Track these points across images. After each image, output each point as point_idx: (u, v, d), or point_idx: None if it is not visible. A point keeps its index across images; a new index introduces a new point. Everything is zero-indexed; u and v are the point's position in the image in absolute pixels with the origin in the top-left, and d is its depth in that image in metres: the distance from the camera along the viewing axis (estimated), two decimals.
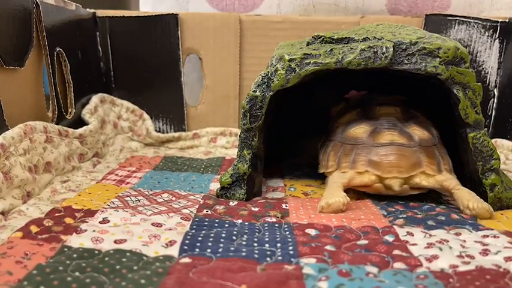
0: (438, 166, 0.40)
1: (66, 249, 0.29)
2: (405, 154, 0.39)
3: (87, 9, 0.62)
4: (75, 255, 0.28)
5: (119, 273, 0.26)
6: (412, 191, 0.41)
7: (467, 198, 0.38)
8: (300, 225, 0.35)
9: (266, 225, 0.35)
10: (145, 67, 0.64)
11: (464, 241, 0.32)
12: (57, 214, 0.35)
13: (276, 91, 0.40)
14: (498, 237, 0.33)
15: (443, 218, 0.36)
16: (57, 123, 0.50)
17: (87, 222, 0.34)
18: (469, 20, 0.60)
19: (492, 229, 0.34)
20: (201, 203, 0.40)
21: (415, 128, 0.41)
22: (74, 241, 0.30)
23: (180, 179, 0.48)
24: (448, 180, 0.40)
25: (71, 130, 0.49)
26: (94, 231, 0.32)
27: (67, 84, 0.54)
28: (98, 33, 0.63)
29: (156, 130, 0.66)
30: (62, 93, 0.53)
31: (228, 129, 0.65)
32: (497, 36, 0.60)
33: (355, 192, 0.43)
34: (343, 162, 0.42)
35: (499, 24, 0.60)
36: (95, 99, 0.60)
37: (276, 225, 0.35)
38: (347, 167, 0.41)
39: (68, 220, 0.34)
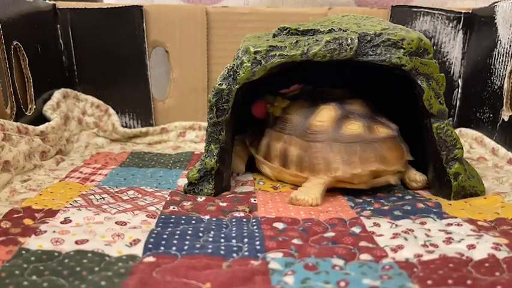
0: (402, 158, 0.42)
1: (23, 252, 0.28)
2: (398, 146, 0.41)
3: (47, 1, 0.59)
4: (33, 258, 0.27)
5: (78, 276, 0.25)
6: (376, 183, 0.42)
7: (413, 173, 0.43)
8: (268, 219, 0.34)
9: (234, 220, 0.34)
10: (110, 61, 0.63)
11: (429, 230, 0.32)
12: (15, 215, 0.34)
13: (242, 84, 0.40)
14: (461, 225, 0.33)
15: (409, 208, 0.37)
16: (16, 120, 0.48)
17: (47, 222, 0.33)
18: (434, 12, 0.61)
19: (456, 217, 0.35)
20: (168, 199, 0.39)
21: (385, 121, 0.42)
22: (33, 243, 0.29)
23: (147, 175, 0.47)
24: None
25: (31, 127, 0.47)
26: (54, 232, 0.31)
27: (26, 79, 0.52)
28: (58, 25, 0.61)
29: (122, 125, 0.64)
30: (21, 89, 0.50)
31: (197, 123, 0.64)
32: (461, 27, 0.61)
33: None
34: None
35: (462, 15, 0.61)
36: (57, 94, 0.58)
37: (244, 220, 0.34)
38: (358, 167, 0.39)
39: (27, 221, 0.33)
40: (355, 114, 0.41)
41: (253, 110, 0.48)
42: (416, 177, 0.43)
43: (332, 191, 0.42)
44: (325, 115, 0.42)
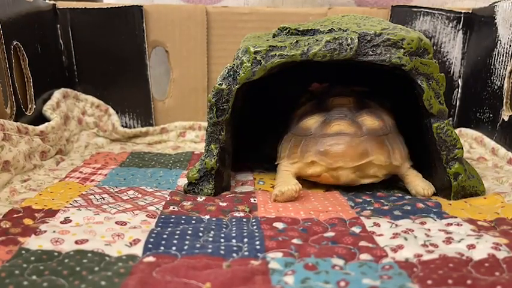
0: (388, 155, 0.40)
1: (23, 252, 0.28)
2: (352, 144, 0.39)
3: (47, 1, 0.59)
4: (33, 258, 0.27)
5: (78, 276, 0.25)
6: (364, 180, 0.41)
7: (417, 183, 0.41)
8: (267, 219, 0.34)
9: (234, 220, 0.34)
10: (110, 61, 0.63)
11: (429, 230, 0.32)
12: (15, 215, 0.34)
13: (242, 84, 0.40)
14: (461, 225, 0.33)
15: (409, 208, 0.37)
16: (16, 120, 0.48)
17: (47, 222, 0.33)
18: (434, 12, 0.61)
19: (456, 217, 0.35)
20: (168, 199, 0.39)
21: (365, 118, 0.41)
22: (32, 243, 0.29)
23: (147, 175, 0.47)
24: (398, 168, 0.41)
25: (31, 127, 0.47)
26: (54, 232, 0.31)
27: (26, 79, 0.52)
28: (58, 25, 0.61)
29: (122, 125, 0.64)
30: (21, 89, 0.50)
31: (197, 123, 0.64)
32: (460, 27, 0.61)
33: (324, 185, 0.43)
34: (293, 152, 0.42)
35: (462, 15, 0.61)
36: (57, 94, 0.58)
37: (244, 220, 0.34)
38: (296, 157, 0.41)
39: (27, 221, 0.33)
40: (339, 115, 0.42)
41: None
42: (419, 188, 0.40)
43: (332, 191, 0.42)
44: (335, 129, 0.41)
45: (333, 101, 0.43)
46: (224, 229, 0.33)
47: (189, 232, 0.32)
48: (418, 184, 0.41)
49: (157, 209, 0.36)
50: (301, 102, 0.47)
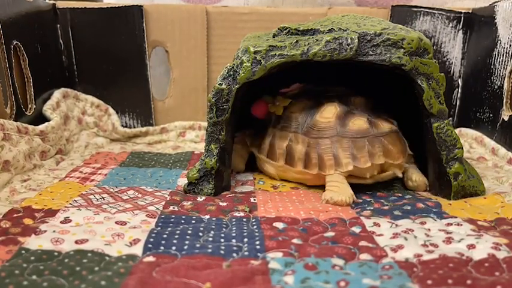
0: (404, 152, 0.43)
1: (23, 252, 0.28)
2: (401, 140, 0.42)
3: (47, 1, 0.59)
4: (33, 258, 0.27)
5: (78, 275, 0.25)
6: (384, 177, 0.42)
7: (411, 172, 0.43)
8: (267, 219, 0.34)
9: (234, 220, 0.34)
10: (110, 60, 0.63)
11: (429, 230, 0.32)
12: (15, 215, 0.34)
13: (242, 84, 0.40)
14: (461, 225, 0.33)
15: (409, 208, 0.37)
16: (16, 120, 0.48)
17: (47, 222, 0.33)
18: (434, 11, 0.61)
19: (456, 217, 0.35)
20: (168, 199, 0.39)
21: (386, 117, 0.43)
22: (33, 243, 0.29)
23: (147, 175, 0.47)
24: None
25: (31, 127, 0.47)
26: (54, 231, 0.31)
27: (26, 79, 0.52)
28: (58, 25, 0.61)
29: (122, 125, 0.64)
30: (21, 89, 0.50)
31: (197, 123, 0.64)
32: (461, 27, 0.61)
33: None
34: (344, 157, 0.40)
35: (462, 15, 0.61)
36: (57, 94, 0.58)
37: (244, 219, 0.34)
38: (367, 161, 0.40)
39: (27, 221, 0.33)
40: (358, 110, 0.43)
41: (253, 111, 0.47)
42: (413, 176, 0.42)
43: None
44: (330, 112, 0.42)
45: (354, 100, 0.44)
46: (224, 229, 0.33)
47: (189, 232, 0.32)
48: (410, 170, 0.43)
49: (157, 208, 0.36)
50: (289, 105, 0.45)
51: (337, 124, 0.41)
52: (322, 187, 0.43)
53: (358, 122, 0.41)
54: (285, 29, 0.42)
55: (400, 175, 0.42)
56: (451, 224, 0.33)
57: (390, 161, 0.40)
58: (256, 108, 0.47)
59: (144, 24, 0.62)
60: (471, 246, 0.29)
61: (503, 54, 0.52)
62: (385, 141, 0.40)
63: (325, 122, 0.42)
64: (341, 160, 0.40)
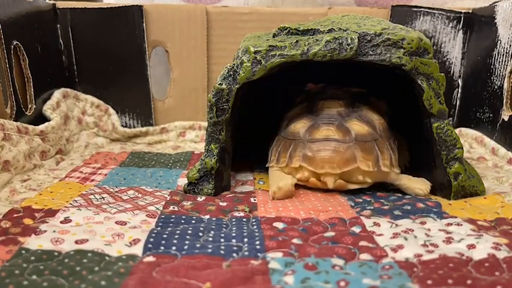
0: (375, 161, 0.40)
1: (23, 252, 0.28)
2: (339, 150, 0.39)
3: (47, 1, 0.59)
4: (33, 258, 0.27)
5: (78, 275, 0.25)
6: (352, 186, 0.40)
7: (413, 185, 0.41)
8: (267, 219, 0.34)
9: (234, 220, 0.34)
10: (110, 60, 0.63)
11: (429, 230, 0.32)
12: (15, 215, 0.34)
13: (242, 84, 0.40)
14: (461, 225, 0.33)
15: (409, 208, 0.37)
16: (16, 120, 0.48)
17: (47, 222, 0.33)
18: (434, 11, 0.61)
19: (456, 217, 0.35)
20: (168, 199, 0.39)
21: (354, 123, 0.41)
22: (33, 243, 0.29)
23: (147, 175, 0.47)
24: (387, 174, 0.40)
25: (31, 127, 0.47)
26: (54, 231, 0.31)
27: (26, 79, 0.52)
28: (58, 25, 0.61)
29: (122, 125, 0.64)
30: (21, 89, 0.50)
31: (197, 123, 0.64)
32: (461, 27, 0.61)
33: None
34: (282, 156, 0.42)
35: (462, 15, 0.61)
36: (57, 94, 0.58)
37: (244, 219, 0.34)
38: (284, 162, 0.42)
39: (27, 221, 0.33)
40: (327, 119, 0.42)
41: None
42: (418, 185, 0.40)
43: (332, 191, 0.42)
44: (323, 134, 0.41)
45: (323, 104, 0.43)
46: (224, 229, 0.33)
47: (189, 232, 0.31)
48: (415, 186, 0.41)
49: (157, 208, 0.36)
50: (295, 103, 0.47)
51: (306, 133, 0.41)
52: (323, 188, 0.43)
53: (323, 132, 0.41)
54: (285, 29, 0.42)
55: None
56: (451, 224, 0.33)
57: (311, 169, 0.40)
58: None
59: (144, 24, 0.62)
60: (471, 246, 0.29)
61: (503, 54, 0.52)
62: (312, 147, 0.40)
63: (295, 132, 0.42)
64: (293, 158, 0.41)
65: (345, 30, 0.39)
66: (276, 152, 0.43)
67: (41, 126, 0.49)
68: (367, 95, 0.46)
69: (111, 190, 0.41)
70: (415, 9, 0.61)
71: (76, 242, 0.29)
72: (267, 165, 0.45)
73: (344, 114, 0.42)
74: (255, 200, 0.39)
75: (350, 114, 0.42)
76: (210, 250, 0.29)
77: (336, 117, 0.42)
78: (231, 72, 0.40)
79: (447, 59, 0.62)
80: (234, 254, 0.28)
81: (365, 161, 0.39)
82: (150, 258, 0.28)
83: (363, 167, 0.39)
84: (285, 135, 0.43)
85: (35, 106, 0.53)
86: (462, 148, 0.39)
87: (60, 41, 0.61)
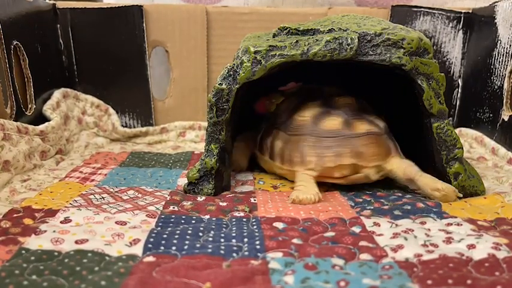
0: (398, 151, 0.42)
1: (23, 252, 0.28)
2: (380, 142, 0.41)
3: (47, 1, 0.59)
4: (33, 258, 0.27)
5: (78, 275, 0.25)
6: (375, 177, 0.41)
7: (433, 181, 0.39)
8: (267, 219, 0.34)
9: (234, 220, 0.34)
10: (110, 60, 0.63)
11: (429, 230, 0.32)
12: (15, 215, 0.34)
13: (242, 84, 0.40)
14: (461, 225, 0.33)
15: (409, 208, 0.37)
16: (16, 120, 0.48)
17: (47, 222, 0.33)
18: (434, 11, 0.61)
19: (456, 217, 0.35)
20: (168, 199, 0.39)
21: (373, 118, 0.42)
22: (33, 243, 0.29)
23: (147, 175, 0.47)
24: (409, 166, 0.41)
25: (31, 127, 0.47)
26: (54, 231, 0.31)
27: (26, 79, 0.52)
28: (58, 25, 0.61)
29: (122, 125, 0.64)
30: (21, 89, 0.51)
31: (197, 123, 0.64)
32: (461, 27, 0.61)
33: (324, 185, 0.43)
34: (311, 155, 0.41)
35: (462, 15, 0.61)
36: (57, 94, 0.58)
37: (244, 219, 0.34)
38: (330, 161, 0.40)
39: (27, 221, 0.33)
40: (339, 111, 0.42)
41: (255, 107, 0.49)
42: (438, 185, 0.38)
43: (332, 190, 0.42)
44: (309, 111, 0.42)
45: (338, 100, 0.43)
46: (224, 229, 0.33)
47: (189, 232, 0.31)
48: (429, 180, 0.39)
49: (157, 208, 0.36)
50: (281, 102, 0.47)
51: (311, 123, 0.41)
52: (322, 187, 0.43)
53: (331, 122, 0.41)
54: (285, 29, 0.42)
55: (374, 178, 0.41)
56: (451, 224, 0.33)
57: (360, 163, 0.40)
58: (258, 105, 0.49)
59: (144, 24, 0.62)
60: (471, 246, 0.29)
61: (503, 54, 0.52)
62: (356, 142, 0.40)
63: (301, 121, 0.42)
64: (305, 158, 0.40)
65: (345, 30, 0.39)
66: (299, 153, 0.41)
67: (41, 126, 0.49)
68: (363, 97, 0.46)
69: (111, 190, 0.41)
70: (415, 9, 0.61)
71: (76, 242, 0.29)
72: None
73: (358, 110, 0.43)
74: (255, 200, 0.39)
75: (361, 110, 0.43)
76: (210, 250, 0.29)
77: (357, 112, 0.42)
78: (231, 72, 0.40)
79: (447, 59, 0.62)
80: (234, 254, 0.28)
81: (397, 151, 0.41)
82: (150, 258, 0.28)
83: (396, 156, 0.41)
84: (319, 134, 0.41)
85: (35, 106, 0.53)
86: (462, 148, 0.39)
87: (60, 41, 0.61)
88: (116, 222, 0.33)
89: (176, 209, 0.37)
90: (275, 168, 0.45)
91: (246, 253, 0.28)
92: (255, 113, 0.49)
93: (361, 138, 0.40)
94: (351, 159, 0.40)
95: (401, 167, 0.40)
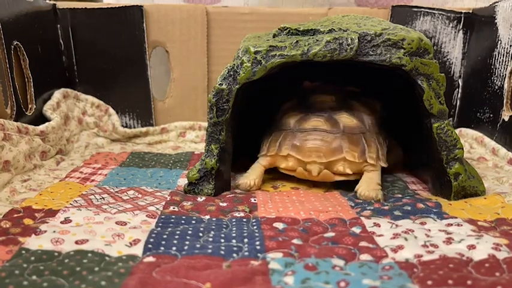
0: (362, 153, 0.41)
1: (23, 252, 0.28)
2: (326, 140, 0.41)
3: (47, 1, 0.59)
4: (33, 258, 0.27)
5: (78, 276, 0.25)
6: (337, 178, 0.41)
7: (360, 184, 0.40)
8: (268, 219, 0.34)
9: (234, 220, 0.34)
10: (110, 61, 0.63)
11: (429, 230, 0.32)
12: (15, 215, 0.34)
13: (242, 84, 0.40)
14: (462, 225, 0.33)
15: (409, 208, 0.37)
16: (16, 120, 0.48)
17: (47, 222, 0.33)
18: (434, 12, 0.61)
19: (456, 217, 0.35)
20: (168, 199, 0.39)
21: (343, 116, 0.42)
22: (33, 243, 0.29)
23: (147, 175, 0.47)
24: (368, 166, 0.41)
25: (31, 127, 0.47)
26: (54, 232, 0.31)
27: (26, 79, 0.52)
28: (58, 25, 0.61)
29: (122, 125, 0.64)
30: (21, 89, 0.51)
31: (197, 123, 0.64)
32: (461, 27, 0.61)
33: (324, 185, 0.43)
34: (272, 146, 0.43)
35: (462, 15, 0.61)
36: (58, 94, 0.58)
37: (244, 220, 0.34)
38: (274, 150, 0.43)
39: (27, 221, 0.33)
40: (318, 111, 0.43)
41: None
42: (359, 189, 0.40)
43: (332, 191, 0.42)
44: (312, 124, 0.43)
45: (315, 98, 0.44)
46: (224, 229, 0.33)
47: (189, 232, 0.31)
48: (361, 185, 0.40)
49: (158, 209, 0.36)
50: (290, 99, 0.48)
51: (296, 124, 0.43)
52: (322, 187, 0.43)
53: (312, 123, 0.42)
54: (285, 29, 0.42)
55: (349, 171, 0.41)
56: (451, 225, 0.33)
57: (336, 158, 0.40)
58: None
59: (144, 24, 0.62)
60: (471, 247, 0.29)
61: (503, 55, 0.52)
62: (300, 136, 0.41)
63: (286, 123, 0.44)
64: (282, 147, 0.42)
65: (345, 31, 0.39)
66: (267, 142, 0.44)
67: (41, 127, 0.49)
68: (360, 94, 0.46)
69: (111, 190, 0.41)
70: (415, 9, 0.61)
71: (76, 242, 0.29)
72: (258, 155, 0.45)
73: (335, 108, 0.43)
74: (255, 200, 0.39)
75: (340, 108, 0.43)
76: (210, 250, 0.29)
77: (327, 110, 0.43)
78: (231, 73, 0.40)
79: (447, 59, 0.62)
80: (234, 255, 0.28)
81: (351, 151, 0.40)
82: (150, 259, 0.28)
83: (349, 157, 0.40)
84: (277, 127, 0.44)
85: (35, 106, 0.53)
86: (462, 148, 0.39)
87: (60, 41, 0.61)
88: (116, 223, 0.33)
89: (176, 209, 0.37)
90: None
91: (246, 253, 0.28)
92: (262, 114, 0.50)
93: (305, 133, 0.41)
94: (289, 151, 0.41)
95: (355, 168, 0.41)
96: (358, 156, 0.41)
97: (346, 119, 0.42)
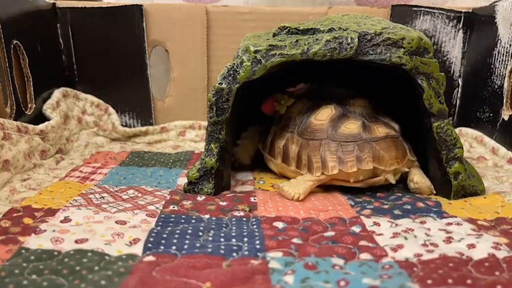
0: (409, 152, 0.42)
1: (23, 251, 0.28)
2: (397, 145, 0.41)
3: (47, 0, 0.59)
4: (32, 257, 0.27)
5: (78, 275, 0.25)
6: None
7: (414, 174, 0.41)
8: (267, 219, 0.34)
9: (234, 219, 0.34)
10: (110, 60, 0.62)
11: (429, 229, 0.32)
12: (15, 214, 0.34)
13: (242, 83, 0.40)
14: (461, 224, 0.33)
15: (409, 207, 0.37)
16: (15, 119, 0.48)
17: (47, 222, 0.33)
18: (434, 11, 0.61)
19: (456, 216, 0.35)
20: (168, 198, 0.39)
21: (381, 121, 0.42)
22: (32, 242, 0.29)
23: (147, 174, 0.47)
24: (415, 162, 0.43)
25: (31, 126, 0.47)
26: (54, 231, 0.31)
27: (26, 79, 0.52)
28: (58, 25, 0.61)
29: (122, 125, 0.64)
30: (20, 88, 0.50)
31: (197, 123, 0.64)
32: (461, 26, 0.61)
33: (324, 185, 0.43)
34: (348, 160, 0.40)
35: (462, 14, 0.61)
36: (57, 93, 0.58)
37: (244, 219, 0.34)
38: (353, 166, 0.39)
39: (27, 220, 0.33)
40: (355, 114, 0.42)
41: (262, 107, 0.48)
42: (415, 177, 0.41)
43: (332, 190, 0.42)
44: (325, 114, 0.42)
45: (354, 102, 0.43)
46: (224, 228, 0.33)
47: (189, 231, 0.31)
48: (413, 172, 0.42)
49: (157, 208, 0.36)
50: (292, 104, 0.46)
51: (329, 127, 0.41)
52: (322, 187, 0.42)
53: (350, 126, 0.41)
54: (285, 29, 0.42)
55: (393, 181, 0.41)
56: (451, 224, 0.33)
57: (381, 167, 0.40)
58: (265, 106, 0.48)
59: (144, 24, 0.62)
60: (471, 246, 0.29)
61: (503, 54, 0.52)
62: (377, 146, 0.40)
63: (318, 124, 0.42)
64: (327, 163, 0.40)
65: (345, 30, 0.39)
66: (320, 159, 0.40)
67: (41, 126, 0.49)
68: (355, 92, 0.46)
69: (111, 189, 0.41)
70: (415, 8, 0.61)
71: (76, 242, 0.29)
72: (317, 173, 0.40)
73: (374, 113, 0.43)
74: (254, 199, 0.39)
75: (371, 113, 0.43)
76: (210, 250, 0.29)
77: (375, 116, 0.42)
78: (231, 72, 0.40)
79: (447, 58, 0.62)
80: (234, 254, 0.28)
81: (409, 153, 0.42)
82: (150, 258, 0.28)
83: (411, 158, 0.42)
84: (338, 138, 0.40)
85: (34, 105, 0.53)
86: (462, 148, 0.39)
87: (60, 40, 0.61)
88: (115, 222, 0.33)
89: (176, 208, 0.37)
90: (288, 172, 0.44)
91: (246, 253, 0.28)
92: (262, 113, 0.49)
93: (381, 142, 0.40)
94: (372, 163, 0.39)
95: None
96: (411, 156, 0.42)
97: (392, 123, 0.42)
